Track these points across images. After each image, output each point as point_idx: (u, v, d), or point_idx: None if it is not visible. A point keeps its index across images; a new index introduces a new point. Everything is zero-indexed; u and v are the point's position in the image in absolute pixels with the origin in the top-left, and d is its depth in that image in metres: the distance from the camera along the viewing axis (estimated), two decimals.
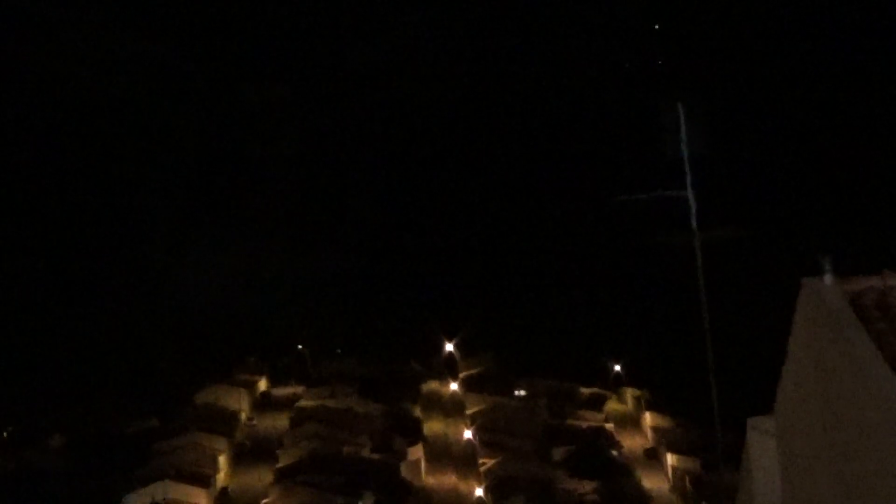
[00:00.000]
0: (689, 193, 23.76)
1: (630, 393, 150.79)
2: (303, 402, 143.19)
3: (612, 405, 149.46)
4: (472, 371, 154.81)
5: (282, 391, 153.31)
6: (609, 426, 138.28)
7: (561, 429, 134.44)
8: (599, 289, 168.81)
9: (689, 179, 23.81)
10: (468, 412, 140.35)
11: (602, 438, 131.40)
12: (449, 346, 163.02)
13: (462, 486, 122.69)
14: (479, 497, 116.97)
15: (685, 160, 23.87)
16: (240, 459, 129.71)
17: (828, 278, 14.22)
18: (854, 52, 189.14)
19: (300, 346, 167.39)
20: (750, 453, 16.61)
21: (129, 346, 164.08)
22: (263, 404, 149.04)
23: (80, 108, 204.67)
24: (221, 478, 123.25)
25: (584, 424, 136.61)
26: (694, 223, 23.60)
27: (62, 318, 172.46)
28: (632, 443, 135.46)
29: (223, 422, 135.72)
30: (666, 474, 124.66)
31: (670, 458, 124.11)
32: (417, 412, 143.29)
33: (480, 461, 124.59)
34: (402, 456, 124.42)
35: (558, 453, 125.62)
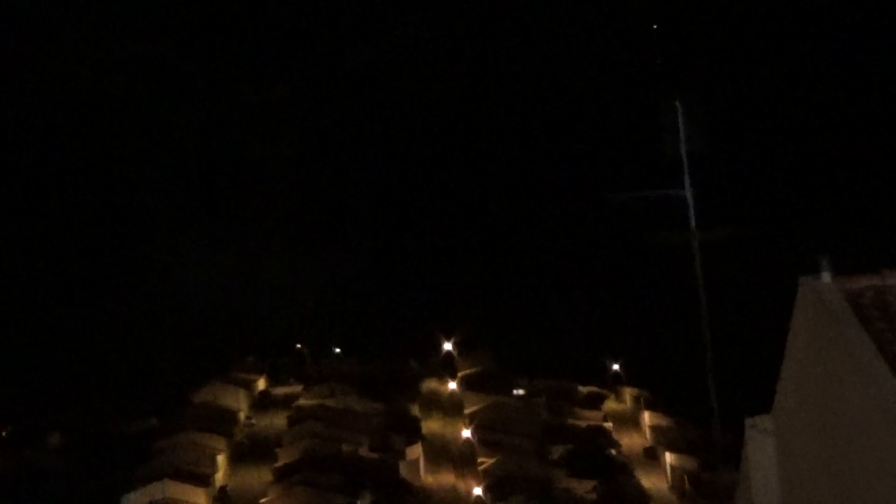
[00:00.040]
0: (688, 193, 23.80)
1: (629, 392, 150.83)
2: (301, 402, 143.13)
3: (610, 404, 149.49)
4: (471, 370, 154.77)
5: (280, 390, 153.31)
6: (608, 425, 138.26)
7: (560, 428, 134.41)
8: (598, 288, 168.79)
9: (687, 179, 23.85)
10: (467, 411, 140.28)
11: (601, 437, 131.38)
12: (448, 345, 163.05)
13: (461, 486, 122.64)
14: (478, 496, 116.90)
15: (684, 160, 23.90)
16: (238, 459, 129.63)
17: (826, 277, 14.23)
18: (854, 52, 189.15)
19: (299, 346, 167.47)
20: (749, 452, 16.62)
21: (128, 345, 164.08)
22: (262, 403, 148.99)
23: (80, 108, 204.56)
24: (220, 477, 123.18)
25: (583, 423, 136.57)
26: (693, 222, 23.64)
27: (61, 318, 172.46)
28: (630, 442, 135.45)
29: (222, 421, 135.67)
30: (665, 473, 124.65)
31: (669, 458, 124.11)
32: (416, 411, 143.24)
33: (479, 460, 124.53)
34: (401, 455, 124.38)
35: (557, 452, 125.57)
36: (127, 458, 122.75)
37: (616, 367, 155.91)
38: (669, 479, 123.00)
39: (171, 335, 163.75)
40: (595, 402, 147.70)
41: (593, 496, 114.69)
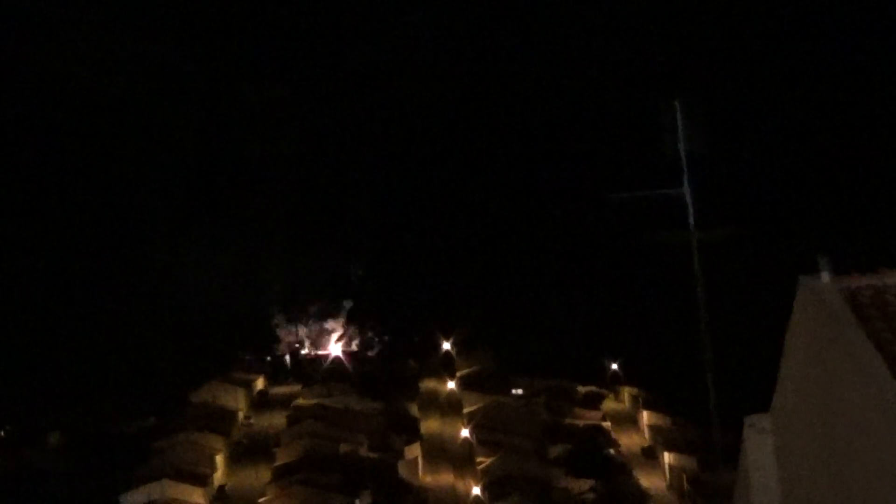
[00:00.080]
0: (687, 192, 23.81)
1: (627, 391, 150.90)
2: (300, 401, 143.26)
3: (609, 404, 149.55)
4: (470, 370, 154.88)
5: (279, 390, 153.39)
6: (606, 425, 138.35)
7: (558, 427, 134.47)
8: (597, 287, 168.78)
9: (686, 178, 23.86)
10: (465, 411, 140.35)
11: (599, 437, 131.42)
12: (446, 345, 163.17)
13: (459, 485, 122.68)
14: (477, 496, 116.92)
15: (683, 159, 23.91)
16: (237, 458, 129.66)
17: (825, 277, 14.25)
18: (853, 52, 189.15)
19: (297, 345, 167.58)
20: (747, 451, 16.64)
21: (128, 345, 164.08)
22: (261, 403, 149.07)
23: (80, 108, 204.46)
24: (219, 476, 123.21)
25: (582, 423, 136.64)
26: (692, 222, 23.65)
27: (60, 318, 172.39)
28: (629, 441, 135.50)
29: (221, 421, 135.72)
30: (663, 473, 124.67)
31: (667, 457, 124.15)
32: (415, 411, 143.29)
33: (478, 460, 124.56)
34: (400, 454, 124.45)
35: (556, 452, 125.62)
36: (126, 457, 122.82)
37: (615, 366, 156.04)
38: (668, 478, 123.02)
39: (171, 335, 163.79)
40: (594, 401, 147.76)
41: (592, 496, 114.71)
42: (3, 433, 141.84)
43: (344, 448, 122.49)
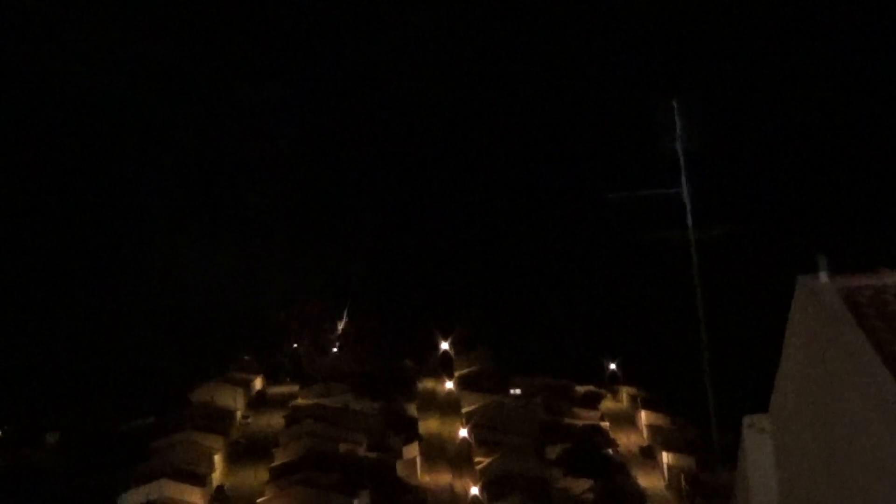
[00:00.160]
0: (685, 191, 23.78)
1: (626, 391, 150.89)
2: (298, 401, 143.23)
3: (607, 403, 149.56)
4: (468, 369, 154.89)
5: (277, 390, 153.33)
6: (605, 424, 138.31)
7: (557, 427, 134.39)
8: (595, 287, 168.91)
9: (684, 177, 23.83)
10: (464, 410, 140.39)
11: (598, 436, 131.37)
12: (445, 345, 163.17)
13: (458, 485, 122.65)
14: (475, 495, 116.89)
15: (681, 159, 23.88)
16: (235, 458, 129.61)
17: (824, 276, 14.22)
18: (853, 52, 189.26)
19: (296, 345, 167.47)
20: (746, 451, 16.60)
21: (126, 344, 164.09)
22: (259, 402, 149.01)
23: (80, 108, 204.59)
24: (217, 476, 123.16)
25: (580, 422, 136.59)
26: (690, 221, 23.62)
27: (59, 317, 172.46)
28: (627, 441, 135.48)
29: (219, 420, 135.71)
30: (662, 473, 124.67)
31: (666, 457, 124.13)
32: (413, 410, 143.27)
33: (476, 459, 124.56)
34: (398, 454, 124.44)
35: (554, 451, 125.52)
36: (124, 457, 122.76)
37: (613, 366, 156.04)
38: (666, 478, 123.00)
39: (169, 335, 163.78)
40: (592, 401, 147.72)
41: (590, 495, 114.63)
42: (1, 433, 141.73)
43: (342, 448, 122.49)
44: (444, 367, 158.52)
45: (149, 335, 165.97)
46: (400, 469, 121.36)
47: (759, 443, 16.38)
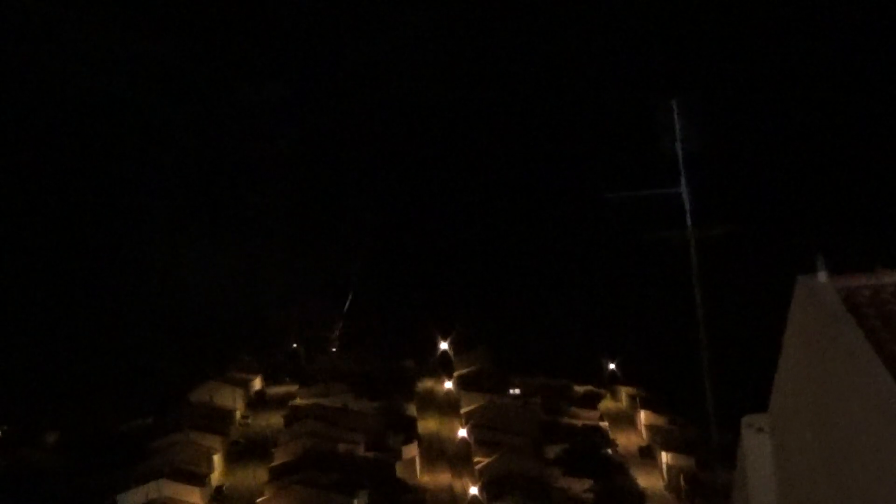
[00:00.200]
0: (684, 191, 23.76)
1: (625, 391, 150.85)
2: (297, 401, 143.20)
3: (606, 403, 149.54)
4: (467, 369, 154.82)
5: (276, 390, 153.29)
6: (604, 424, 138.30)
7: (556, 427, 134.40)
8: (594, 287, 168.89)
9: (683, 177, 23.81)
10: (463, 410, 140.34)
11: (597, 436, 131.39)
12: (444, 345, 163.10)
13: (457, 485, 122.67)
14: (474, 495, 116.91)
15: (680, 158, 23.87)
16: (234, 458, 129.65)
17: (823, 276, 14.22)
18: (853, 52, 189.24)
19: (295, 345, 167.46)
20: (745, 451, 16.59)
21: (125, 344, 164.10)
22: (258, 402, 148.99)
23: (80, 108, 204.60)
24: (216, 476, 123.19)
25: (579, 422, 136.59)
26: (689, 221, 23.61)
27: (59, 317, 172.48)
28: (627, 441, 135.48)
29: (218, 420, 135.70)
30: (661, 472, 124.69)
31: (665, 457, 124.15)
32: (412, 410, 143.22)
33: (475, 459, 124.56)
34: (397, 454, 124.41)
35: (553, 451, 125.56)
36: (124, 457, 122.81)
37: (612, 366, 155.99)
38: (665, 478, 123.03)
39: (169, 335, 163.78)
40: (591, 401, 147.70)
41: (589, 495, 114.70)
42: (1, 433, 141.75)
43: (341, 448, 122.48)
44: (443, 366, 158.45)
45: (148, 335, 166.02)
46: (399, 469, 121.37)
47: (758, 443, 16.37)
